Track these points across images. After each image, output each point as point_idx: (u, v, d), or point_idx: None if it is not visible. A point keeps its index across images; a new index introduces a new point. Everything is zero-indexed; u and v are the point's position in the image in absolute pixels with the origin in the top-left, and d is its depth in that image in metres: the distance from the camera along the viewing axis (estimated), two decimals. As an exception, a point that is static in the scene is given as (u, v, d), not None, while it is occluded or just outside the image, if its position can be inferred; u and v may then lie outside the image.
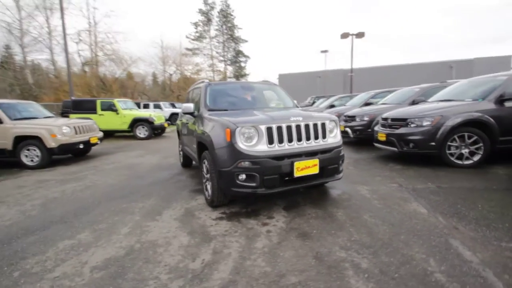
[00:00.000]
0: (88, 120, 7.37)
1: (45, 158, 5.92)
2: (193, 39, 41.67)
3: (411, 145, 4.77)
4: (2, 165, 6.13)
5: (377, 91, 9.69)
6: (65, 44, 14.16)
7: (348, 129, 7.32)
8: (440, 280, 1.76)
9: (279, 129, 2.84)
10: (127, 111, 11.41)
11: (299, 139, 2.92)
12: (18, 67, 26.14)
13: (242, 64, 45.36)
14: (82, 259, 2.24)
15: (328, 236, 2.44)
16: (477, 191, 3.39)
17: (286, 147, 2.84)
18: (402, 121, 5.05)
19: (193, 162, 5.37)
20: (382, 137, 5.36)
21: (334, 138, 3.19)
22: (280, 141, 2.84)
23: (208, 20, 42.43)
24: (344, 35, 20.81)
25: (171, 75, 37.47)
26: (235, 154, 2.74)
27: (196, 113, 3.92)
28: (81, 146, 6.41)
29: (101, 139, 7.38)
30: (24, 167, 5.89)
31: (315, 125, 3.03)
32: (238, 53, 44.64)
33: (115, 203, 3.58)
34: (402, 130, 4.94)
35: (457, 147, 4.54)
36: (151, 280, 1.90)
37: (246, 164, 2.71)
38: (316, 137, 3.02)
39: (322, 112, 7.46)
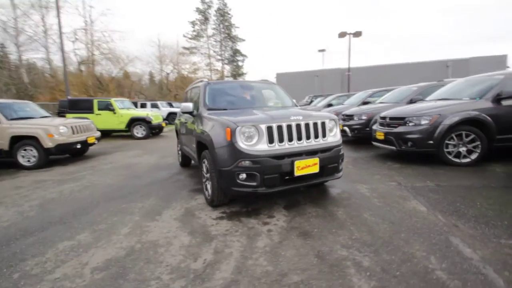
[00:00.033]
0: (85, 120, 7.32)
1: (42, 158, 5.87)
2: (190, 38, 41.49)
3: (409, 143, 4.80)
4: (-2, 166, 6.07)
5: (375, 90, 9.73)
6: (61, 43, 14.04)
7: (346, 128, 7.34)
8: (442, 277, 1.77)
9: (280, 128, 2.84)
10: (124, 110, 11.35)
11: (299, 138, 2.92)
12: (13, 66, 25.83)
13: (240, 63, 45.29)
14: (83, 260, 2.22)
15: (329, 234, 2.44)
16: (475, 189, 3.42)
17: (287, 146, 2.84)
18: (401, 120, 5.07)
19: (192, 162, 5.35)
20: (380, 135, 5.38)
21: (334, 137, 3.20)
22: (281, 140, 2.84)
23: (206, 19, 42.27)
24: (342, 34, 20.86)
25: (168, 74, 37.31)
26: (236, 153, 2.73)
27: (195, 112, 3.90)
28: (79, 146, 6.36)
29: (98, 139, 7.33)
30: (20, 167, 5.84)
31: (315, 124, 3.03)
32: (236, 52, 44.53)
33: (114, 203, 3.56)
34: (400, 129, 4.97)
35: (454, 146, 4.57)
36: (153, 281, 1.90)
37: (247, 163, 2.71)
38: (316, 136, 3.03)
39: (321, 111, 7.49)
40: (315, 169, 2.89)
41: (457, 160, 4.57)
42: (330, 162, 3.05)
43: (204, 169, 3.34)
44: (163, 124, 12.22)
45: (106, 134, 11.35)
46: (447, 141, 4.56)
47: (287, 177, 2.87)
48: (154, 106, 19.04)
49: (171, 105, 20.47)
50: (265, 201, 3.31)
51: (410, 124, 4.86)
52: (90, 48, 28.06)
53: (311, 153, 2.93)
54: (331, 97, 13.50)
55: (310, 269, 1.94)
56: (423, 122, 4.71)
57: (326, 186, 3.85)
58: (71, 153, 7.06)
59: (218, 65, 43.92)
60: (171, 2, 67.17)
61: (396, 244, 2.22)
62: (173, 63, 37.02)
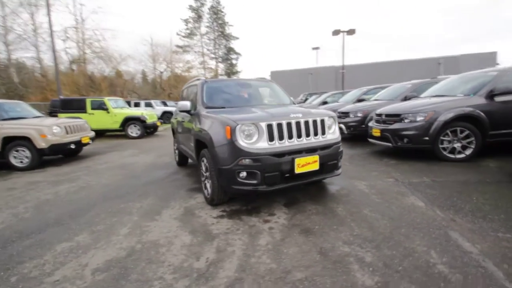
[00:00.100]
0: (79, 120, 7.21)
1: (35, 159, 5.75)
2: (183, 36, 41.20)
3: (405, 140, 4.85)
4: (-10, 167, 5.93)
5: (369, 88, 9.79)
6: (52, 41, 13.76)
7: (342, 125, 7.37)
8: (443, 271, 1.80)
9: (279, 126, 2.84)
10: (118, 109, 11.20)
11: (299, 136, 2.92)
12: (2, 66, 25.22)
13: (234, 62, 45.22)
14: (82, 261, 2.19)
15: (330, 231, 2.46)
16: (471, 184, 3.48)
17: (287, 144, 2.84)
18: (396, 117, 5.12)
19: (189, 161, 5.32)
20: (376, 132, 5.43)
21: (333, 134, 3.21)
22: (281, 138, 2.83)
23: (199, 17, 41.97)
24: (336, 32, 20.94)
25: (161, 72, 36.94)
26: (236, 151, 2.72)
27: (193, 111, 3.87)
28: (73, 146, 6.25)
29: (93, 139, 7.22)
30: (13, 168, 5.71)
31: (314, 122, 3.04)
32: (230, 50, 44.38)
33: (111, 203, 3.51)
34: (396, 126, 5.02)
35: (449, 142, 4.64)
36: (156, 281, 1.88)
37: (247, 161, 2.70)
38: (316, 134, 3.03)
39: (317, 108, 7.50)
40: (315, 167, 2.90)
41: (451, 156, 4.64)
42: (330, 159, 3.06)
43: (203, 168, 3.32)
44: (158, 123, 12.11)
45: (100, 134, 11.19)
46: (442, 137, 4.63)
47: (287, 175, 2.88)
48: (148, 105, 18.86)
49: (165, 104, 20.30)
50: (265, 199, 3.31)
51: (406, 120, 4.91)
52: (82, 47, 27.65)
53: (311, 150, 2.94)
54: (326, 94, 13.55)
55: (314, 266, 1.95)
56: (418, 118, 4.76)
57: (325, 183, 3.87)
58: (65, 154, 6.95)
59: (212, 63, 43.77)
60: (163, -1, 66.38)
61: (397, 239, 2.25)
62: (167, 61, 36.71)
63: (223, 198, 3.12)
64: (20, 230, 2.83)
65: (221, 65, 44.62)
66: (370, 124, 5.96)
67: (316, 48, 29.93)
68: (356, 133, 7.21)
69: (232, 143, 2.74)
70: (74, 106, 11.10)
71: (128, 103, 16.08)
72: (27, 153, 5.71)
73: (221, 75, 42.76)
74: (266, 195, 3.40)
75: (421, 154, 5.14)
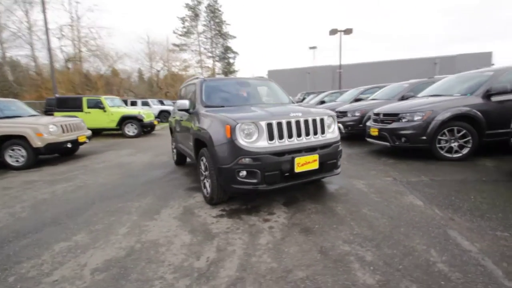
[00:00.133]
0: (75, 118, 7.13)
1: (31, 158, 5.69)
2: (180, 35, 40.90)
3: (403, 139, 4.88)
4: (-15, 166, 5.85)
5: (367, 87, 9.82)
6: (48, 39, 13.60)
7: (340, 125, 7.40)
8: (443, 270, 1.81)
9: (279, 125, 2.83)
10: (115, 108, 11.12)
11: (299, 135, 2.92)
12: (-4, 64, 24.90)
13: (231, 61, 44.97)
14: (81, 261, 2.16)
15: (330, 230, 2.46)
16: (468, 183, 3.51)
17: (287, 143, 2.84)
18: (394, 116, 5.15)
19: (187, 160, 5.29)
20: (374, 132, 5.45)
21: (332, 133, 3.22)
22: (280, 137, 2.83)
23: (196, 15, 41.70)
24: (333, 32, 20.97)
25: (158, 71, 36.68)
26: (236, 150, 2.71)
27: (191, 110, 3.85)
28: (69, 145, 6.19)
29: (89, 138, 7.16)
30: (8, 167, 5.64)
31: (314, 121, 3.04)
32: (227, 49, 44.18)
33: (109, 203, 3.48)
34: (394, 125, 5.04)
35: (446, 141, 4.67)
36: (156, 280, 1.86)
37: (247, 160, 2.69)
38: (315, 133, 3.03)
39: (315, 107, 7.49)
40: (315, 166, 2.90)
41: (448, 155, 4.68)
42: (329, 159, 3.06)
43: (202, 167, 3.30)
44: (155, 122, 12.04)
45: (97, 132, 11.11)
46: (439, 137, 4.66)
47: (287, 174, 2.87)
48: (145, 104, 18.71)
49: (162, 103, 20.18)
50: (264, 198, 3.30)
51: (404, 120, 4.94)
52: (77, 45, 27.30)
53: (310, 149, 2.94)
54: (324, 94, 13.57)
55: (315, 265, 1.95)
56: (416, 118, 4.79)
57: (324, 182, 3.88)
58: (61, 153, 6.88)
59: (209, 62, 43.51)
60: (160, -3, 65.84)
61: (397, 238, 2.26)
62: (163, 60, 36.46)
63: (223, 197, 3.11)
64: (17, 230, 2.79)
65: (218, 64, 44.46)
66: (368, 123, 5.99)
67: (313, 48, 29.99)
68: (354, 133, 7.23)
69: (232, 142, 2.73)
70: (70, 104, 10.99)
71: (125, 102, 15.96)
72: (23, 152, 5.64)
73: (218, 74, 42.59)
74: (265, 194, 3.40)
75: (419, 153, 5.17)
